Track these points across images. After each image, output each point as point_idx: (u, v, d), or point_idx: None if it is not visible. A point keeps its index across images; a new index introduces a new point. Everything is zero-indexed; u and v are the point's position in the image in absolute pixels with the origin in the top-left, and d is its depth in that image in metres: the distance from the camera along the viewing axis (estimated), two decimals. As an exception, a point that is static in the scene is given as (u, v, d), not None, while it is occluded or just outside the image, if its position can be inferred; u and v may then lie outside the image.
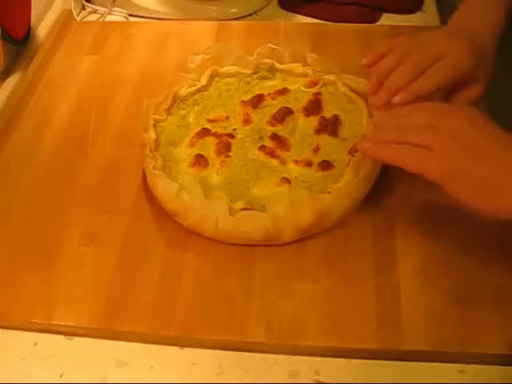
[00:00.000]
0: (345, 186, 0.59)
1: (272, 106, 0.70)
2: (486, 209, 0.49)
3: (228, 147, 0.65)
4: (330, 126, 0.66)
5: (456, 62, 0.61)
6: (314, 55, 0.72)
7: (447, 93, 0.64)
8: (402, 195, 0.62)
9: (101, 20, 0.94)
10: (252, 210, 0.58)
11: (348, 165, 0.61)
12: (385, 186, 0.63)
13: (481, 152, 0.50)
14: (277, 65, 0.74)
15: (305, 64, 0.73)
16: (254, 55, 0.73)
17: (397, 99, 0.61)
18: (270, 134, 0.67)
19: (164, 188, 0.60)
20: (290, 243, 0.59)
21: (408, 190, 0.62)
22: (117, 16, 0.95)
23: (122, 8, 0.95)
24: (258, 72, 0.74)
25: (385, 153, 0.55)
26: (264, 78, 0.74)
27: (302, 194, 0.59)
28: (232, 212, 0.58)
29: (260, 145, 0.66)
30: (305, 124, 0.68)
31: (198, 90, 0.72)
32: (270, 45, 0.74)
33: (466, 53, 0.61)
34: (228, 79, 0.74)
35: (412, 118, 0.55)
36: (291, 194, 0.59)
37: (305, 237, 0.59)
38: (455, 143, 0.51)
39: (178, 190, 0.60)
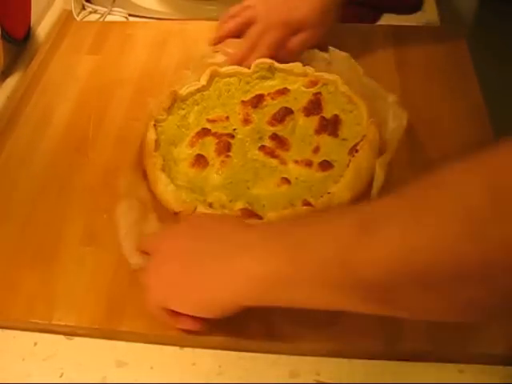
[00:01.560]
0: (345, 185, 0.59)
1: (272, 106, 0.70)
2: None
3: (228, 147, 0.65)
4: (330, 126, 0.66)
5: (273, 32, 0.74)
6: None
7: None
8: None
9: (101, 20, 0.94)
10: (252, 211, 0.58)
11: (348, 165, 0.61)
12: (385, 185, 0.62)
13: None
14: (276, 64, 0.74)
15: (305, 64, 0.73)
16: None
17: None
18: (269, 133, 0.67)
19: (164, 188, 0.60)
20: (289, 243, 0.58)
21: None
22: (117, 16, 0.95)
23: (122, 8, 0.95)
24: (258, 72, 0.74)
25: None
26: (264, 78, 0.74)
27: (302, 194, 0.59)
28: (232, 212, 0.58)
29: (260, 145, 0.66)
30: (305, 124, 0.68)
31: (198, 90, 0.72)
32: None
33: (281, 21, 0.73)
34: (228, 79, 0.74)
35: None
36: (291, 195, 0.60)
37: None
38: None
39: (178, 190, 0.60)
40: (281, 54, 0.75)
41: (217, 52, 0.77)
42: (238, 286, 0.46)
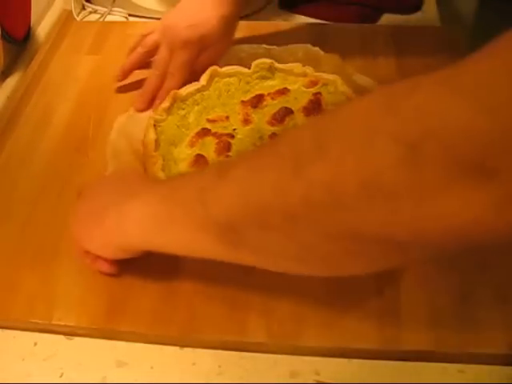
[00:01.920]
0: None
1: (272, 106, 0.70)
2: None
3: (228, 147, 0.65)
4: (330, 126, 0.66)
5: (180, 54, 0.72)
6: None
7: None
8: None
9: (101, 20, 0.94)
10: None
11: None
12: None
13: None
14: (276, 64, 0.74)
15: (305, 64, 0.73)
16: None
17: (157, 104, 0.71)
18: (269, 133, 0.67)
19: (164, 188, 0.60)
20: (290, 243, 0.58)
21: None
22: (117, 16, 0.95)
23: (122, 8, 0.95)
24: (258, 72, 0.74)
25: None
26: (264, 78, 0.74)
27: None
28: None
29: (260, 145, 0.65)
30: (305, 124, 0.68)
31: (198, 90, 0.72)
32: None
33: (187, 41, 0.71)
34: (228, 79, 0.74)
35: None
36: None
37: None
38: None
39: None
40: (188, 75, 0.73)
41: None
42: (128, 227, 0.49)
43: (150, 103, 0.73)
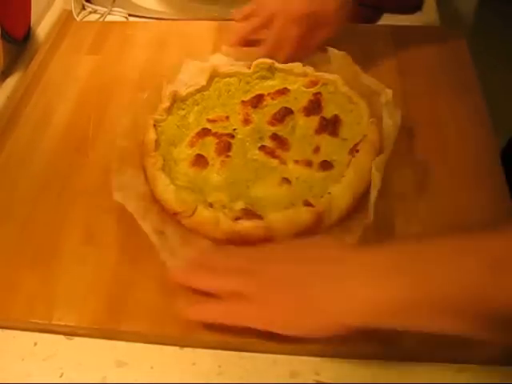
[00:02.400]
0: (345, 185, 0.59)
1: (272, 106, 0.70)
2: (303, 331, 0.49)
3: (228, 147, 0.65)
4: (330, 126, 0.66)
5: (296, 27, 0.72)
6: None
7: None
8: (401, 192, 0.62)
9: (101, 20, 0.94)
10: (252, 211, 0.58)
11: (348, 165, 0.61)
12: (384, 187, 0.63)
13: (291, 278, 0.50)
14: (276, 64, 0.74)
15: (305, 64, 0.73)
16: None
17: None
18: (270, 133, 0.67)
19: (164, 188, 0.60)
20: (289, 243, 0.58)
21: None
22: (117, 16, 0.95)
23: (122, 8, 0.95)
24: (258, 72, 0.74)
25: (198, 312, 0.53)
26: (264, 78, 0.74)
27: (302, 194, 0.60)
28: (232, 212, 0.58)
29: (260, 145, 0.66)
30: (305, 124, 0.68)
31: (198, 90, 0.72)
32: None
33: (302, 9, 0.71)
34: (228, 79, 0.74)
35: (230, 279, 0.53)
36: (291, 195, 0.60)
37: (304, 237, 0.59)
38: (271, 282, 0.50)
39: (178, 190, 0.60)
40: (299, 50, 0.73)
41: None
42: (351, 307, 0.46)
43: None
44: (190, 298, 0.53)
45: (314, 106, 0.69)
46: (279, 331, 0.50)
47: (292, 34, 0.72)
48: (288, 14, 0.72)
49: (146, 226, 0.58)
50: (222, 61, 0.77)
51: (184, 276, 0.54)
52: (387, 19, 0.90)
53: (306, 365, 0.52)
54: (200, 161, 0.64)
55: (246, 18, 0.76)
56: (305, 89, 0.72)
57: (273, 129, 0.67)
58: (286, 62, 0.73)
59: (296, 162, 0.64)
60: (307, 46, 0.74)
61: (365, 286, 0.46)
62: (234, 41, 0.76)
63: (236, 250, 0.56)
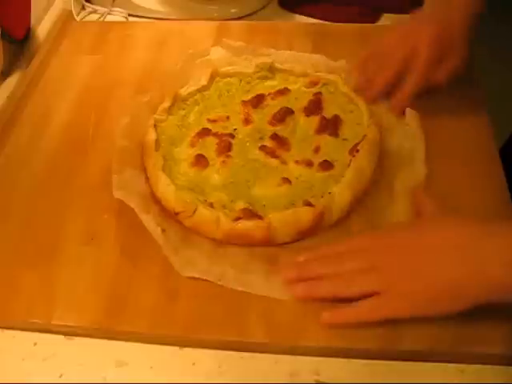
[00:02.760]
0: (345, 185, 0.59)
1: (272, 106, 0.70)
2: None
3: (228, 147, 0.65)
4: (331, 126, 0.66)
5: (426, 53, 0.66)
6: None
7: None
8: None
9: (101, 20, 0.94)
10: (253, 211, 0.58)
11: (349, 165, 0.61)
12: (383, 182, 0.63)
13: (424, 264, 0.51)
14: (277, 64, 0.74)
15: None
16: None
17: (400, 106, 0.69)
18: (270, 133, 0.67)
19: (164, 188, 0.60)
20: (289, 243, 0.58)
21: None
22: (117, 16, 0.95)
23: (122, 8, 0.95)
24: (259, 72, 0.74)
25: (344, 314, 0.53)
26: (264, 78, 0.74)
27: (302, 194, 0.60)
28: (233, 212, 0.58)
29: (260, 145, 0.66)
30: (305, 124, 0.68)
31: (199, 90, 0.72)
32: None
33: (432, 42, 0.66)
34: (228, 79, 0.74)
35: (347, 263, 0.54)
36: (291, 195, 0.60)
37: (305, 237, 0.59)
38: (399, 273, 0.52)
39: (178, 190, 0.60)
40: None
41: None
42: (489, 287, 0.48)
43: (380, 95, 0.70)
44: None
45: (315, 106, 0.69)
46: (420, 316, 0.51)
47: (424, 57, 0.67)
48: (416, 40, 0.68)
49: (148, 222, 0.58)
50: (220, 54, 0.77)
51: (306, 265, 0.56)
52: (387, 19, 0.90)
53: (306, 365, 0.52)
54: (200, 161, 0.64)
55: (365, 58, 0.73)
56: (305, 89, 0.72)
57: (273, 129, 0.67)
58: (421, 85, 0.68)
59: (296, 161, 0.64)
60: (436, 78, 0.68)
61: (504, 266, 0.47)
62: (370, 96, 0.70)
63: (350, 243, 0.56)
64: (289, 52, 0.78)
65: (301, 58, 0.77)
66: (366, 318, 0.52)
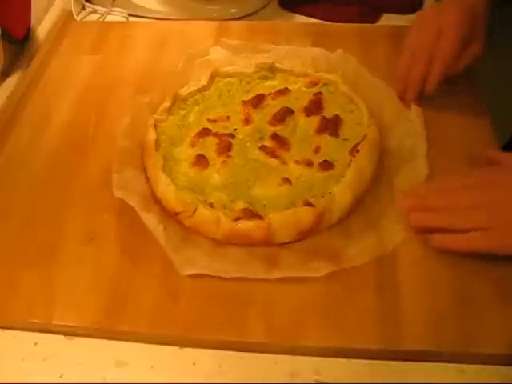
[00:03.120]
0: (346, 185, 0.59)
1: (273, 106, 0.70)
2: None
3: (229, 147, 0.65)
4: (331, 126, 0.66)
5: (453, 33, 0.66)
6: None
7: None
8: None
9: (101, 20, 0.94)
10: (253, 211, 0.58)
11: (349, 165, 0.61)
12: (383, 182, 0.63)
13: None
14: (277, 64, 0.74)
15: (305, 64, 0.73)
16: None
17: (428, 90, 0.68)
18: (270, 133, 0.67)
19: (164, 188, 0.60)
20: (289, 243, 0.58)
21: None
22: (117, 16, 0.95)
23: (122, 8, 0.95)
24: (259, 72, 0.74)
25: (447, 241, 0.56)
26: (265, 78, 0.74)
27: (303, 194, 0.60)
28: (233, 212, 0.58)
29: (260, 145, 0.66)
30: (305, 124, 0.68)
31: (199, 90, 0.72)
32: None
33: (459, 22, 0.66)
34: (229, 79, 0.74)
35: (464, 197, 0.56)
36: (292, 195, 0.60)
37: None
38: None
39: (179, 190, 0.60)
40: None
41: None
42: None
43: (418, 92, 0.69)
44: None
45: (315, 106, 0.69)
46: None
47: (450, 40, 0.66)
48: (441, 23, 0.67)
49: (149, 220, 0.58)
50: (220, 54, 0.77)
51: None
52: (387, 19, 0.90)
53: (306, 365, 0.52)
54: (201, 161, 0.64)
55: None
56: (305, 89, 0.72)
57: (273, 129, 0.67)
58: (447, 73, 0.67)
59: (296, 161, 0.64)
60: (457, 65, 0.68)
61: None
62: (412, 100, 0.70)
63: (467, 180, 0.58)
64: (288, 47, 0.78)
65: (300, 52, 0.77)
66: (475, 247, 0.54)
